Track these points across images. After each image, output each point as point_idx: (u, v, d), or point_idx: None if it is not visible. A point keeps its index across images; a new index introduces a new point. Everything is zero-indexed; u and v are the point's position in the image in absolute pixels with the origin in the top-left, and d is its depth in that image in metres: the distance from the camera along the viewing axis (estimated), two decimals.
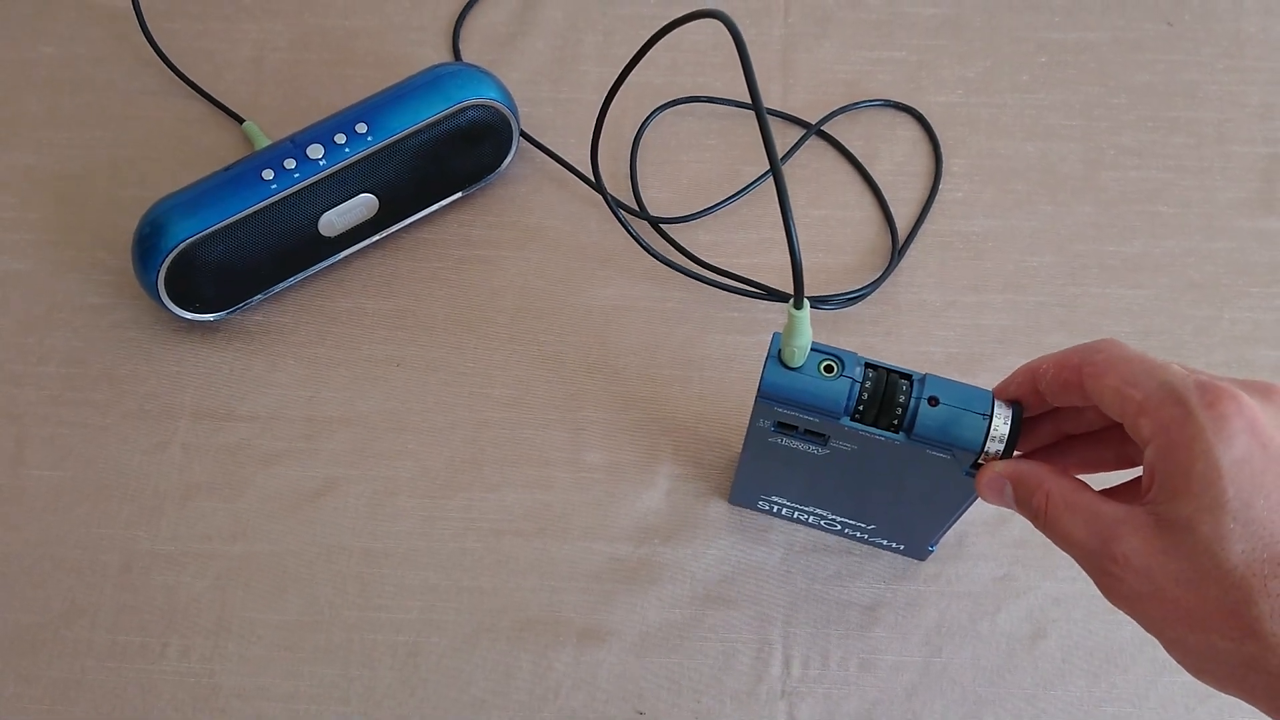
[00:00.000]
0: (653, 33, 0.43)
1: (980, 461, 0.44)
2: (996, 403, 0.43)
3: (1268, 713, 0.36)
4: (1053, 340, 0.63)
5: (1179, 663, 0.38)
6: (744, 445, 0.52)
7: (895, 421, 0.44)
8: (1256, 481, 0.35)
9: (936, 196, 0.67)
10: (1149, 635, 0.38)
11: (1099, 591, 0.39)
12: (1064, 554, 0.40)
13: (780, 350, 0.44)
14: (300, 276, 0.64)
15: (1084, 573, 0.40)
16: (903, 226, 0.66)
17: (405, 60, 0.70)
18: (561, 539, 0.59)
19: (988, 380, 0.45)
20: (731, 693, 0.56)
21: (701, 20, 0.41)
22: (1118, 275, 0.65)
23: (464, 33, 0.72)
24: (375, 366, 0.63)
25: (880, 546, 0.59)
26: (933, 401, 0.43)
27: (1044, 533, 0.41)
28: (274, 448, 0.61)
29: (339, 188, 0.60)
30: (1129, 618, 0.39)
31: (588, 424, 0.62)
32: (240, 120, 0.68)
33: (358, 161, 0.60)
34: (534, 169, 0.68)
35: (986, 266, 0.66)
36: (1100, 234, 0.66)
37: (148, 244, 0.58)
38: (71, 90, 0.70)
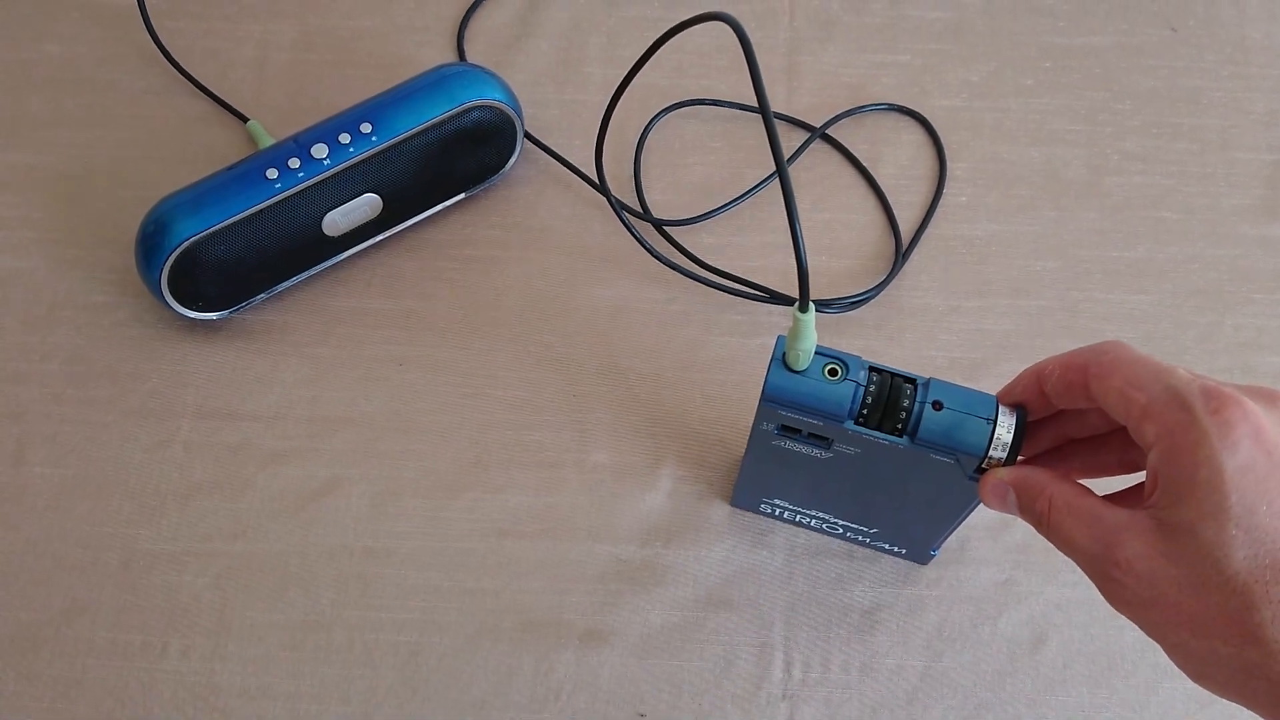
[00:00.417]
0: (658, 35, 0.43)
1: (984, 466, 0.44)
2: (1001, 407, 0.43)
3: (1268, 719, 0.36)
4: (1056, 345, 0.62)
5: (1180, 668, 0.38)
6: (747, 448, 0.52)
7: (899, 426, 0.44)
8: (1260, 488, 0.35)
9: (940, 201, 0.67)
10: (1150, 641, 0.38)
11: (1101, 597, 0.39)
12: (1066, 559, 0.40)
13: (784, 353, 0.44)
14: (304, 276, 0.64)
15: (1086, 578, 0.40)
16: (906, 230, 0.66)
17: (409, 61, 0.70)
18: (565, 540, 0.59)
19: (991, 385, 0.45)
20: (732, 695, 0.56)
21: (707, 23, 0.41)
22: (1121, 281, 0.65)
23: (468, 34, 0.72)
24: (378, 366, 0.63)
25: (882, 550, 0.59)
26: (937, 406, 0.43)
27: (1047, 538, 0.41)
28: (276, 447, 0.61)
29: (343, 187, 0.60)
30: (1131, 623, 0.39)
31: (591, 425, 0.62)
32: (244, 119, 0.68)
33: (362, 161, 0.60)
34: (538, 170, 0.68)
35: (990, 271, 0.66)
36: (1104, 239, 0.66)
37: (151, 242, 0.58)
38: (75, 89, 0.70)
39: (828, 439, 0.47)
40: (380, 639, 0.57)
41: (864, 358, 0.45)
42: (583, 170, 0.67)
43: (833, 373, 0.44)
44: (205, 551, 0.59)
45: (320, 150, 0.59)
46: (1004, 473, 0.43)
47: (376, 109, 0.61)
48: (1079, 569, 0.40)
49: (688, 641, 0.57)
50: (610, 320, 0.64)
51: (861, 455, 0.47)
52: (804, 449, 0.48)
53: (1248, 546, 0.35)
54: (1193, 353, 0.64)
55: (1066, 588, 0.58)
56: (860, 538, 0.58)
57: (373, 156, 0.60)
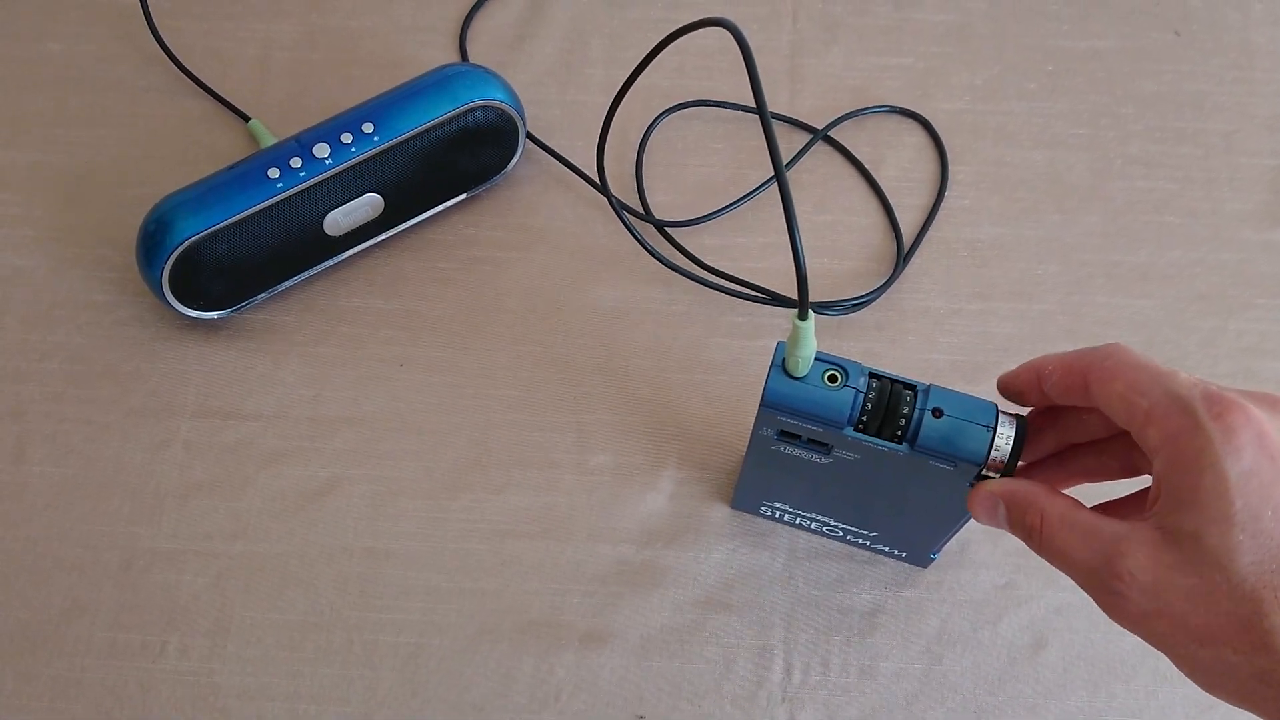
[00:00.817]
0: (660, 36, 0.43)
1: (984, 474, 0.44)
2: (1001, 415, 0.43)
3: None
4: (1057, 349, 0.62)
5: (1189, 677, 0.37)
6: (747, 452, 0.51)
7: (899, 432, 0.44)
8: (1264, 493, 0.35)
9: (942, 204, 0.67)
10: (1150, 646, 0.38)
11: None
12: None
13: (784, 359, 0.44)
14: (305, 275, 0.64)
15: None
16: (908, 233, 0.66)
17: (412, 61, 0.70)
18: (565, 541, 0.59)
19: (993, 389, 0.45)
20: (732, 697, 0.56)
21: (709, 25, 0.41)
22: (1124, 285, 0.65)
23: (471, 34, 0.72)
24: (379, 366, 0.63)
25: (882, 553, 0.59)
26: (937, 413, 0.43)
27: (1039, 553, 0.41)
28: (277, 447, 0.61)
29: (344, 187, 0.60)
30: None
31: (592, 426, 0.62)
32: (246, 119, 0.68)
33: (363, 161, 0.60)
34: (540, 171, 0.68)
35: (992, 274, 0.65)
36: (1107, 243, 0.66)
37: (152, 241, 0.58)
38: (77, 88, 0.70)
39: (827, 444, 0.47)
40: (380, 639, 0.57)
41: (864, 364, 0.45)
42: (584, 171, 0.67)
43: (832, 379, 0.44)
44: (205, 551, 0.59)
45: (322, 150, 0.59)
46: (993, 485, 0.43)
47: (378, 109, 0.61)
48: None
49: (688, 643, 0.57)
50: (611, 321, 0.64)
51: (861, 461, 0.47)
52: (804, 454, 0.48)
53: (1254, 552, 0.35)
54: (1195, 358, 0.63)
55: (1066, 592, 0.58)
56: (860, 541, 0.58)
57: (374, 156, 0.60)
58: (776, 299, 0.64)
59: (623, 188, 0.68)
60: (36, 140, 0.69)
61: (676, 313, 0.64)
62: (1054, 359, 0.42)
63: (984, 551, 0.59)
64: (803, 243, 0.40)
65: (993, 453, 0.43)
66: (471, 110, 0.62)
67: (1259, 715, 0.36)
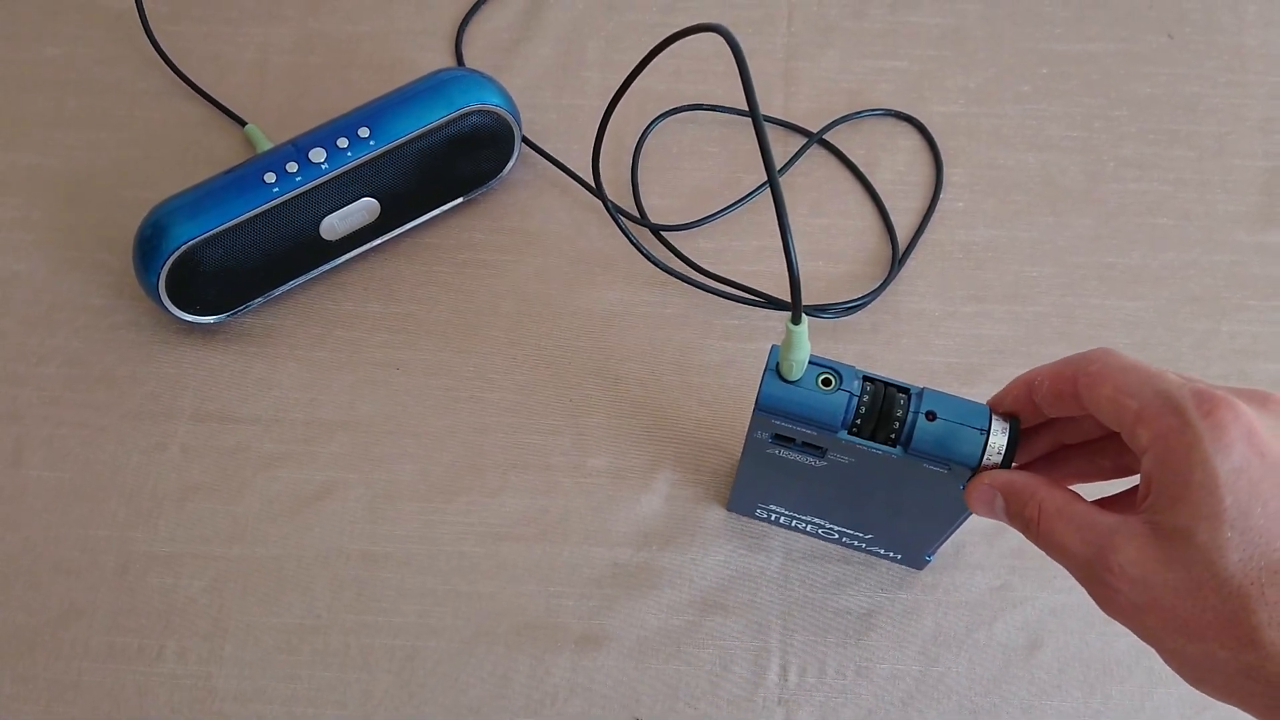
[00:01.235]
0: (656, 40, 0.43)
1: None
2: (994, 417, 0.44)
3: None
4: (1052, 351, 0.63)
5: (1177, 673, 0.38)
6: (742, 455, 0.52)
7: (892, 435, 0.44)
8: (1254, 490, 0.35)
9: (937, 206, 0.67)
10: (1145, 647, 0.38)
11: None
12: (1061, 565, 0.40)
13: (778, 363, 0.44)
14: (301, 280, 0.64)
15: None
16: (903, 236, 0.67)
17: (408, 65, 0.71)
18: (560, 544, 0.60)
19: (987, 390, 0.46)
20: (728, 700, 0.57)
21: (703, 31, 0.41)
22: (1117, 287, 0.65)
23: (467, 38, 0.72)
24: (376, 370, 0.63)
25: (878, 555, 0.59)
26: (930, 416, 0.44)
27: (1036, 544, 0.41)
28: (273, 450, 0.61)
29: (341, 191, 0.61)
30: (1126, 629, 0.38)
31: (588, 429, 0.62)
32: (243, 123, 0.68)
33: (360, 165, 0.60)
34: (536, 175, 0.68)
35: (986, 277, 0.66)
36: (1100, 246, 0.66)
37: (149, 246, 0.59)
38: (75, 92, 0.70)
39: (822, 448, 0.47)
40: (376, 643, 0.58)
41: (858, 367, 0.45)
42: (580, 175, 0.67)
43: (826, 383, 0.44)
44: (202, 555, 0.59)
45: (318, 154, 0.59)
46: (991, 478, 0.43)
47: (374, 113, 0.61)
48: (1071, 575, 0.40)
49: (684, 646, 0.58)
50: (607, 324, 0.64)
51: (856, 464, 0.47)
52: (798, 457, 0.48)
53: (1243, 549, 0.35)
54: (1188, 359, 0.64)
55: (1061, 593, 0.58)
56: (856, 543, 0.58)
57: (370, 161, 0.60)
58: (771, 302, 0.64)
59: (618, 192, 0.68)
60: (34, 143, 0.69)
61: (671, 316, 0.65)
62: (1043, 369, 0.42)
63: (979, 553, 0.59)
64: (798, 246, 0.40)
65: (986, 456, 0.43)
66: (467, 115, 0.62)
67: (1246, 711, 0.36)
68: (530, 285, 0.65)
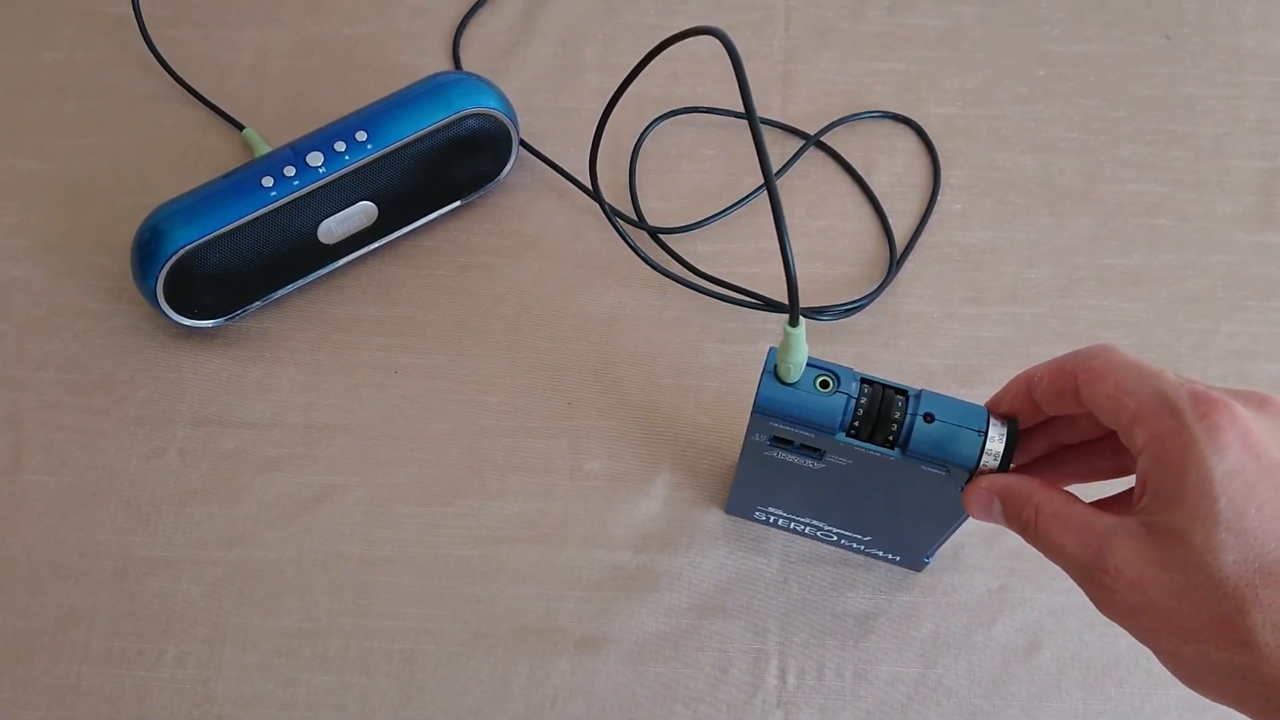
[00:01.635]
0: (654, 43, 0.43)
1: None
2: (992, 419, 0.44)
3: None
4: (1050, 352, 0.62)
5: (1173, 674, 0.38)
6: (740, 458, 0.52)
7: (890, 437, 0.44)
8: (1249, 492, 0.35)
9: (935, 208, 0.67)
10: (1144, 648, 0.38)
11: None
12: (1059, 566, 0.40)
13: (776, 365, 0.44)
14: (299, 284, 0.64)
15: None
16: (901, 238, 0.67)
17: (406, 68, 0.71)
18: (559, 547, 0.60)
19: (986, 392, 0.46)
20: (727, 702, 0.57)
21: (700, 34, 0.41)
22: (1115, 288, 0.65)
23: (464, 41, 0.72)
24: (374, 374, 0.63)
25: (876, 557, 0.59)
26: (928, 418, 0.44)
27: (1034, 546, 0.41)
28: (272, 454, 0.61)
29: (338, 195, 0.61)
30: (1124, 630, 0.39)
31: (586, 432, 0.62)
32: (240, 127, 0.68)
33: (357, 169, 0.60)
34: (533, 178, 0.68)
35: (984, 278, 0.66)
36: (1098, 247, 0.66)
37: (147, 250, 0.59)
38: (73, 96, 0.70)
39: (820, 450, 0.47)
40: (375, 646, 0.58)
41: (856, 369, 0.45)
42: (577, 178, 0.68)
43: (824, 385, 0.44)
44: (201, 559, 0.59)
45: (316, 158, 0.59)
46: (988, 482, 0.43)
47: (372, 117, 0.61)
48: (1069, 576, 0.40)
49: (682, 648, 0.58)
50: (605, 327, 0.64)
51: (854, 466, 0.47)
52: (796, 459, 0.48)
53: (1237, 550, 0.35)
54: (1187, 360, 0.64)
55: (1060, 594, 0.58)
56: (854, 545, 0.58)
57: (368, 164, 0.60)
58: (769, 304, 0.64)
59: (616, 194, 0.68)
60: (32, 148, 0.69)
61: (669, 319, 0.65)
62: (1043, 366, 0.42)
63: (978, 555, 0.59)
64: (795, 248, 0.40)
65: (984, 457, 0.43)
66: (465, 118, 0.62)
67: (1243, 713, 0.36)
68: (528, 288, 0.65)
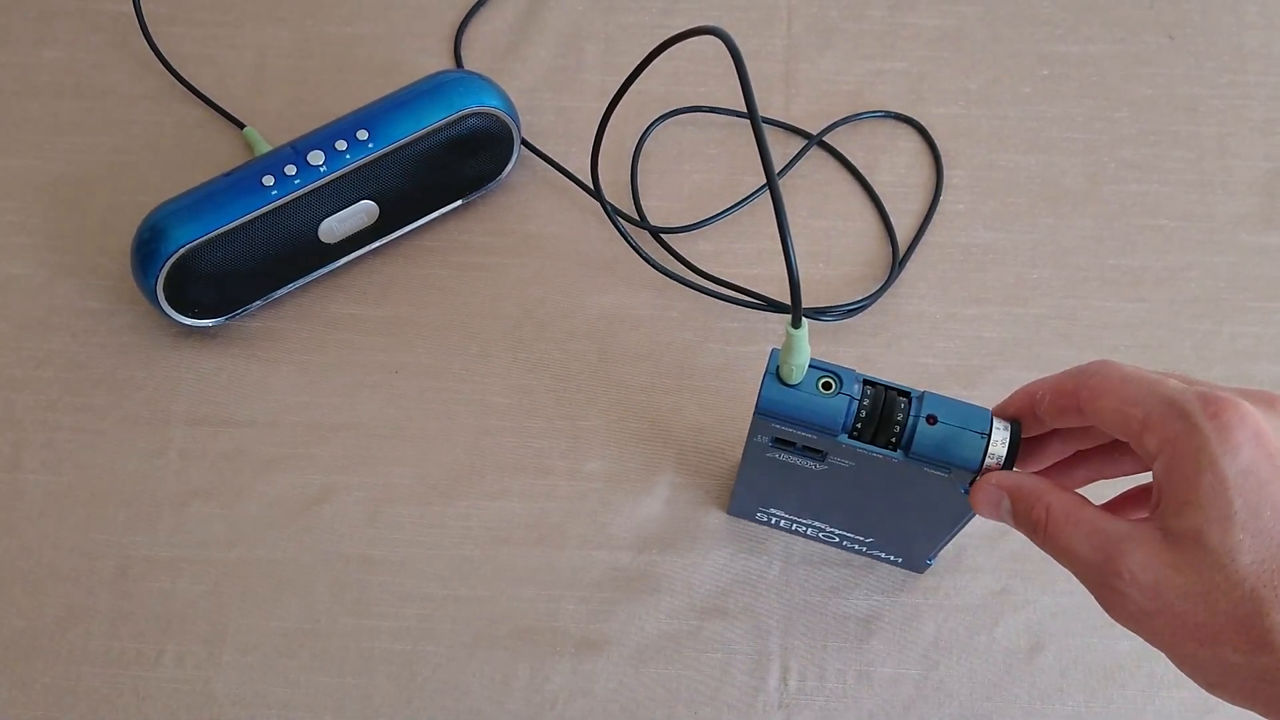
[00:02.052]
0: (656, 42, 0.43)
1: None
2: (995, 421, 0.43)
3: None
4: (1053, 354, 0.63)
5: (1190, 677, 0.37)
6: (742, 459, 0.51)
7: (893, 439, 0.44)
8: (1263, 491, 0.35)
9: (937, 208, 0.67)
10: (1148, 650, 0.38)
11: (1100, 608, 0.39)
12: (1062, 568, 0.40)
13: (778, 367, 0.44)
14: (300, 283, 0.64)
15: (1082, 587, 0.39)
16: (903, 238, 0.66)
17: (407, 67, 0.70)
18: (560, 548, 0.59)
19: (988, 393, 0.46)
20: (729, 704, 0.56)
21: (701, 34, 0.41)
22: (1118, 289, 0.65)
23: (466, 40, 0.72)
24: (374, 373, 0.63)
25: (878, 559, 0.59)
26: (931, 420, 0.43)
27: (1043, 547, 0.41)
28: (271, 454, 0.61)
29: (339, 194, 0.60)
30: (1128, 632, 0.38)
31: (587, 432, 0.62)
32: (241, 126, 0.68)
33: (358, 168, 0.60)
34: (535, 177, 0.68)
35: (987, 279, 0.65)
36: (1101, 247, 0.66)
37: (147, 249, 0.58)
38: (73, 94, 0.70)
39: (822, 451, 0.47)
40: (375, 647, 0.57)
41: (858, 370, 0.45)
42: (579, 177, 0.67)
43: (826, 386, 0.44)
44: (200, 559, 0.59)
45: (317, 157, 0.59)
46: (999, 479, 0.42)
47: (373, 116, 0.61)
48: (1077, 580, 0.40)
49: (684, 650, 0.57)
50: (606, 327, 0.64)
51: (856, 467, 0.47)
52: (798, 461, 0.48)
53: (1254, 551, 0.34)
54: (1190, 361, 0.63)
55: (1063, 596, 0.58)
56: (856, 547, 0.58)
57: (369, 163, 0.60)
58: (771, 305, 0.64)
59: (617, 194, 0.68)
60: (32, 147, 0.69)
61: (671, 319, 0.64)
62: (1044, 383, 0.42)
63: (980, 557, 0.59)
64: (797, 248, 0.40)
65: (987, 459, 0.43)
66: (466, 117, 0.62)
67: (1262, 715, 0.36)
68: (529, 288, 0.65)
